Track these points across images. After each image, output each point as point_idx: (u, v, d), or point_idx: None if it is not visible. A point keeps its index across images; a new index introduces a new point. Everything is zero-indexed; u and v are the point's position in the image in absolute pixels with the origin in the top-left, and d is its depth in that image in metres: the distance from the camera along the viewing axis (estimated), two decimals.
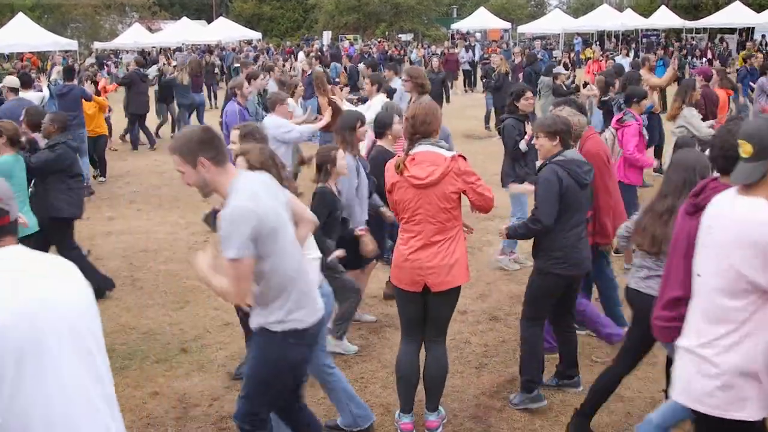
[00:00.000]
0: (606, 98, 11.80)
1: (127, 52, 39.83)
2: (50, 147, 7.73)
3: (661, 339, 4.30)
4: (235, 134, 5.77)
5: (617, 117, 9.11)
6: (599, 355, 6.35)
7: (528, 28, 48.56)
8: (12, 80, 11.78)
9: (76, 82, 13.39)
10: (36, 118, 8.22)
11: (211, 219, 5.29)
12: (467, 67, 30.54)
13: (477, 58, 32.37)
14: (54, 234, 7.68)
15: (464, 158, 5.00)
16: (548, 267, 5.35)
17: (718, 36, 43.99)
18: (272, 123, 8.42)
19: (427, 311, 5.12)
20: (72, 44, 37.17)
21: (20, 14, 35.94)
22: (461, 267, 4.98)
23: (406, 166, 4.94)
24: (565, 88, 14.07)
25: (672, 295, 4.01)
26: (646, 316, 4.40)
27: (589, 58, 31.90)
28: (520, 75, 20.28)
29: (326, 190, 5.99)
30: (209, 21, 54.14)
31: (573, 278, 5.44)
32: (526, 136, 7.90)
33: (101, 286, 7.89)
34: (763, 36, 36.84)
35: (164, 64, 20.77)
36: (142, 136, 17.77)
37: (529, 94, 8.14)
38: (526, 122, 8.05)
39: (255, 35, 48.83)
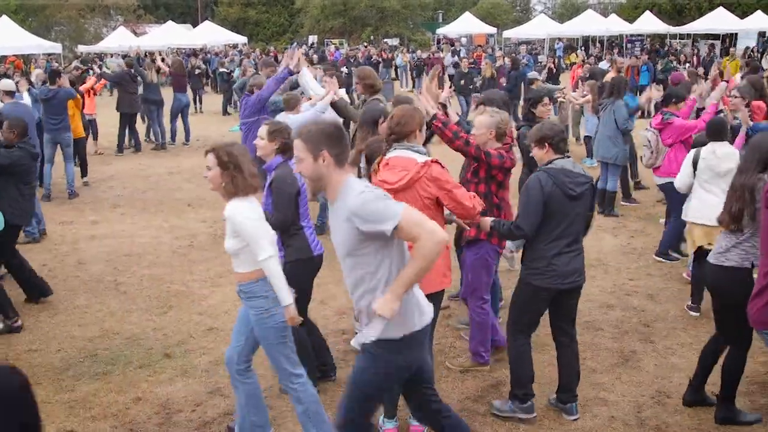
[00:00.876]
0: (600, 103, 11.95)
1: (111, 55, 39.64)
2: (5, 147, 7.63)
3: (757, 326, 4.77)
4: (263, 130, 5.74)
5: (657, 118, 9.56)
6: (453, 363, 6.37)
7: (513, 33, 48.76)
8: (7, 84, 11.69)
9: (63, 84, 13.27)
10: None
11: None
12: (452, 71, 30.58)
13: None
14: None
15: (440, 164, 5.01)
16: (528, 277, 5.29)
17: (709, 42, 44.26)
18: (294, 120, 8.54)
19: None
20: (56, 47, 37.05)
21: (4, 17, 35.77)
22: (437, 274, 4.89)
23: (378, 169, 5.00)
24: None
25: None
26: (727, 289, 5.03)
27: (574, 63, 32.02)
28: (503, 79, 20.41)
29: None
30: (195, 25, 54.09)
31: (558, 291, 5.25)
32: None
33: (41, 292, 7.91)
34: (747, 47, 37.27)
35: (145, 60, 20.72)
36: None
37: (546, 100, 7.99)
38: None
39: (241, 39, 48.78)
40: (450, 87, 7.01)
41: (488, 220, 5.43)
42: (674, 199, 8.55)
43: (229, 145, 4.72)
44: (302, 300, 5.38)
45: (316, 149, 3.71)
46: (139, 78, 17.25)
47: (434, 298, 4.88)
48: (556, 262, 5.17)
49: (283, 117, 8.82)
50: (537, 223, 5.13)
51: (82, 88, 15.40)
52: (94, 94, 17.20)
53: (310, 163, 3.73)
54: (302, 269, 5.54)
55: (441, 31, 51.60)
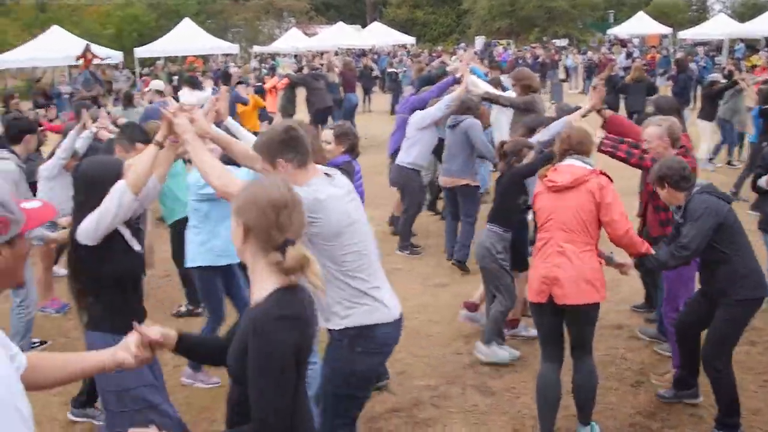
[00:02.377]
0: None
1: (284, 55, 41.01)
2: None
3: None
4: (330, 134, 5.93)
5: None
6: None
7: (689, 34, 46.67)
8: (157, 84, 12.34)
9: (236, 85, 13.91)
10: None
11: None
12: (622, 73, 29.67)
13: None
14: None
15: (609, 178, 5.02)
16: (742, 293, 5.03)
17: None
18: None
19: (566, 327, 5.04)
20: (233, 48, 38.73)
21: (186, 19, 37.79)
22: (591, 284, 4.84)
23: (546, 173, 5.13)
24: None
25: None
26: None
27: (756, 66, 30.27)
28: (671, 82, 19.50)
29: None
30: (364, 26, 55.04)
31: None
32: None
33: None
34: None
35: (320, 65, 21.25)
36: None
37: None
38: None
39: (409, 40, 49.25)
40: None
41: (631, 263, 5.26)
42: None
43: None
44: None
45: (271, 158, 3.73)
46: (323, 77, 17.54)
47: (586, 309, 4.90)
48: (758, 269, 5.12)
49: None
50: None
51: (265, 86, 16.03)
52: (276, 92, 17.72)
53: (272, 171, 3.73)
54: None
55: (612, 31, 50.18)
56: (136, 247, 4.16)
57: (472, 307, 6.92)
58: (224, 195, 3.73)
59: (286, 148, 3.73)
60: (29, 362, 2.09)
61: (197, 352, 3.03)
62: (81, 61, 25.19)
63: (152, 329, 2.72)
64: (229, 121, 5.22)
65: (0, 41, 38.50)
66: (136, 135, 5.82)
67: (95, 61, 26.08)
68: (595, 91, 6.77)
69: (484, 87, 9.42)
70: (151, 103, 12.09)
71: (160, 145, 4.10)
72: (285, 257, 2.58)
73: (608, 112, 6.71)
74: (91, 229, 3.89)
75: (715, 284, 5.10)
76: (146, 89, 15.08)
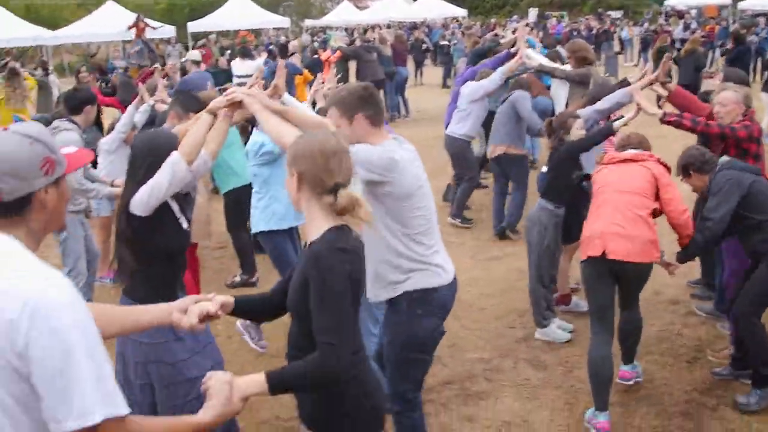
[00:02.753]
0: None
1: (336, 29, 40.97)
2: None
3: None
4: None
5: None
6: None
7: (749, 4, 45.40)
8: (194, 54, 12.53)
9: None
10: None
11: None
12: (679, 45, 29.03)
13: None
14: None
15: (666, 167, 5.34)
16: None
17: None
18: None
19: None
20: (285, 21, 38.81)
21: None
22: (645, 244, 4.96)
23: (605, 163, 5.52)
24: None
25: None
26: None
27: None
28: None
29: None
30: None
31: None
32: None
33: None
34: None
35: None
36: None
37: None
38: None
39: (460, 12, 48.77)
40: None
41: (678, 265, 5.44)
42: None
43: None
44: None
45: (350, 114, 3.82)
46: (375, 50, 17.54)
47: (638, 268, 5.02)
48: None
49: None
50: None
51: (322, 57, 16.16)
52: (329, 65, 17.75)
53: (348, 128, 3.82)
54: None
55: (669, 2, 49.10)
56: (184, 223, 4.21)
57: (567, 299, 6.87)
58: None
59: (366, 104, 3.84)
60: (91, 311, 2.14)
61: (253, 311, 3.22)
62: (133, 31, 25.36)
63: (213, 299, 2.86)
64: (286, 97, 5.26)
65: (56, 17, 39.19)
66: (191, 103, 5.88)
67: (148, 32, 26.28)
68: (662, 67, 6.62)
69: (540, 60, 9.29)
70: (188, 73, 12.25)
71: (214, 114, 4.13)
72: (337, 199, 2.77)
73: (672, 85, 6.60)
74: (144, 199, 3.94)
75: (755, 250, 5.16)
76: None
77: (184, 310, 2.79)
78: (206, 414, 2.42)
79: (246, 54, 15.11)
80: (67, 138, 6.34)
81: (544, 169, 6.95)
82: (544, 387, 5.56)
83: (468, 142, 9.49)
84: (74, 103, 6.88)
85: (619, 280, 5.10)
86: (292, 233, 6.34)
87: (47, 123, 7.06)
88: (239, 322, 6.17)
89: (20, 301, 1.95)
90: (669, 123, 5.91)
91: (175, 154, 3.99)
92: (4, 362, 1.95)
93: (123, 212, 4.02)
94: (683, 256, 5.38)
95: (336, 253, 2.73)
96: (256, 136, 6.13)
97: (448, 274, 4.01)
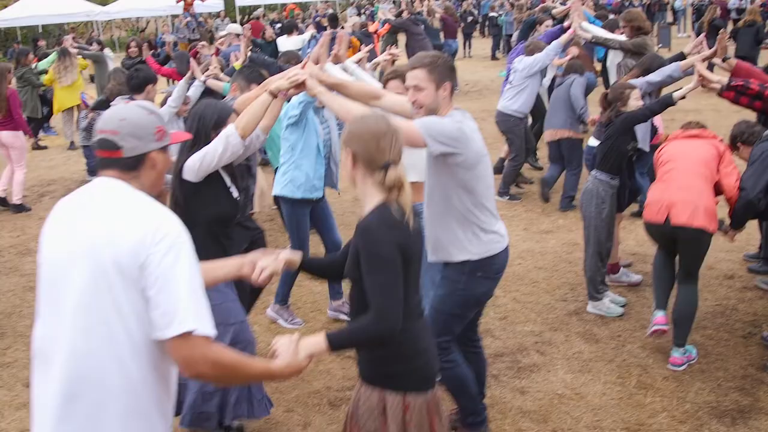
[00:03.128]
0: None
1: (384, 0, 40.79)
2: None
3: None
4: None
5: None
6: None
7: None
8: (235, 27, 12.55)
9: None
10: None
11: None
12: (735, 15, 28.31)
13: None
14: None
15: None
16: None
17: None
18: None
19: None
20: None
21: None
22: (706, 213, 5.16)
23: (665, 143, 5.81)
24: None
25: None
26: None
27: None
28: None
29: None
30: None
31: None
32: None
33: None
34: None
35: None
36: None
37: None
38: None
39: None
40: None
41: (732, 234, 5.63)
42: None
43: None
44: None
45: (440, 79, 3.93)
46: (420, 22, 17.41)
47: (698, 236, 5.22)
48: None
49: None
50: None
51: (370, 29, 16.18)
52: (378, 38, 17.70)
53: (432, 92, 3.93)
54: None
55: None
56: (234, 192, 4.32)
57: (615, 269, 6.82)
58: None
59: (454, 75, 4.04)
60: None
61: (320, 270, 3.56)
62: (182, 4, 25.38)
63: (280, 255, 3.29)
64: (348, 63, 5.28)
65: None
66: (253, 75, 5.87)
67: (196, 5, 26.34)
68: (719, 43, 6.42)
69: (594, 31, 9.14)
70: (230, 45, 12.28)
71: (274, 96, 4.20)
72: (386, 177, 3.01)
73: (734, 61, 6.37)
74: (195, 165, 4.08)
75: None
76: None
77: (254, 264, 3.19)
78: (277, 363, 2.74)
79: (292, 28, 15.05)
80: None
81: (592, 141, 6.88)
82: (596, 360, 5.53)
83: (520, 118, 9.38)
84: (137, 82, 6.98)
85: (678, 247, 5.35)
86: (323, 207, 6.21)
87: (106, 102, 7.19)
88: (269, 309, 6.33)
89: (145, 224, 2.41)
90: (735, 88, 5.55)
91: (230, 127, 4.10)
92: (128, 275, 2.37)
93: (176, 176, 4.18)
94: (734, 225, 5.51)
95: (383, 226, 2.98)
96: None
97: (504, 240, 4.22)
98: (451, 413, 4.61)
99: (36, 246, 8.71)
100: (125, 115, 2.60)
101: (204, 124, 4.24)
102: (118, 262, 2.36)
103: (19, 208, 10.25)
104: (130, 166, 2.58)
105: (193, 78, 7.78)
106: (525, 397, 5.09)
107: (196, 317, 2.37)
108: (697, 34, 8.58)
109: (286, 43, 14.19)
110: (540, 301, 6.57)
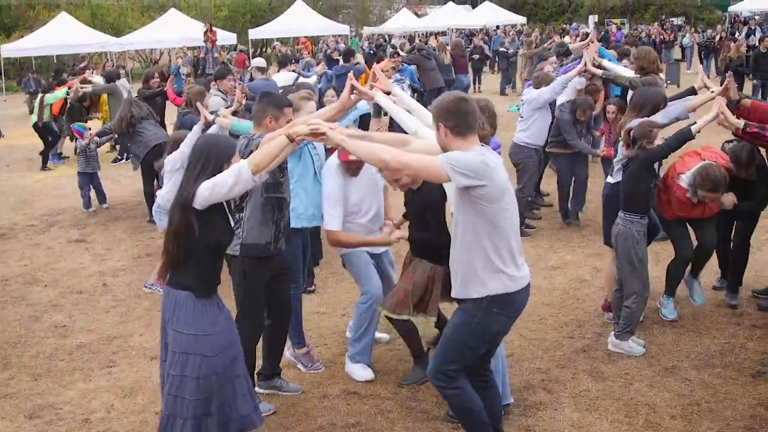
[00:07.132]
0: None
1: (394, 36, 41.12)
2: None
3: None
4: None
5: None
6: None
7: None
8: (259, 61, 12.73)
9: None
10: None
11: None
12: (753, 42, 28.33)
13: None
14: None
15: None
16: None
17: None
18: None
19: None
20: (344, 29, 39.07)
21: (299, 1, 38.30)
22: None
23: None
24: None
25: None
26: None
27: None
28: None
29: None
30: (474, 6, 54.56)
31: None
32: None
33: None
34: None
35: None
36: None
37: None
38: None
39: (519, 19, 48.58)
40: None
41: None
42: None
43: None
44: None
45: (435, 121, 4.18)
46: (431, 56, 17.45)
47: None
48: None
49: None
50: None
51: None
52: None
53: (435, 134, 4.22)
54: None
55: (734, 8, 48.11)
56: (231, 221, 4.40)
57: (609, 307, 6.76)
58: (401, 167, 4.09)
59: (449, 116, 4.12)
60: None
61: None
62: (207, 43, 25.16)
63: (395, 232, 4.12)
64: (379, 97, 5.29)
65: (121, 23, 39.99)
66: (283, 101, 5.42)
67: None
68: (728, 83, 6.35)
69: (607, 65, 9.16)
70: (252, 80, 12.39)
71: (292, 140, 4.23)
72: None
73: (748, 101, 6.35)
74: (205, 194, 4.09)
75: None
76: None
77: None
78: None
79: (284, 63, 14.31)
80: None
81: (610, 179, 6.82)
82: (603, 398, 5.48)
83: (533, 149, 9.43)
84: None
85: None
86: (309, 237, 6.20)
87: (108, 132, 7.29)
88: (288, 352, 6.10)
89: None
90: (750, 134, 5.71)
91: (244, 162, 4.13)
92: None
93: (177, 206, 4.18)
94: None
95: None
96: None
97: (525, 279, 4.31)
98: None
99: (43, 276, 8.76)
100: None
101: (215, 154, 4.23)
102: None
103: None
104: None
105: (206, 125, 7.48)
106: None
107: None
108: (707, 71, 8.61)
109: (277, 79, 14.06)
110: (547, 338, 6.53)
